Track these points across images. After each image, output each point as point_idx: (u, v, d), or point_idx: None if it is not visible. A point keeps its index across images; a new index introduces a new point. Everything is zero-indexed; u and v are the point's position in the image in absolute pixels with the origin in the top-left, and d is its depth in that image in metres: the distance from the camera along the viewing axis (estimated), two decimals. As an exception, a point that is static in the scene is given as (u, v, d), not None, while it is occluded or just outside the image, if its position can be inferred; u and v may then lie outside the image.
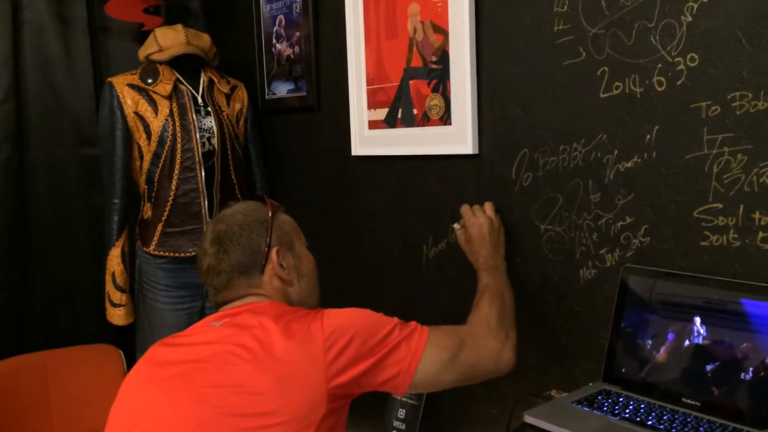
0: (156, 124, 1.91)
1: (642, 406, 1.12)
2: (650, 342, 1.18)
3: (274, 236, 1.23)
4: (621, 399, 1.15)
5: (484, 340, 1.23)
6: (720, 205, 1.15)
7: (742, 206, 1.13)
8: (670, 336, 1.16)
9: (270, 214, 1.25)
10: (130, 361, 2.10)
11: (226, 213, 1.27)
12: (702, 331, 1.12)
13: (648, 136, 1.23)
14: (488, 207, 1.48)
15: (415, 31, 1.63)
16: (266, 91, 2.18)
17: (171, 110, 1.92)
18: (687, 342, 1.13)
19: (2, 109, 2.04)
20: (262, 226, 1.23)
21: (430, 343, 1.14)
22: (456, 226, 1.52)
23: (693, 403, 1.10)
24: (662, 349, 1.16)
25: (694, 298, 1.14)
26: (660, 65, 1.20)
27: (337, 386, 1.06)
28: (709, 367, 1.10)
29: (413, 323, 1.18)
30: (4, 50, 2.03)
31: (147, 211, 1.98)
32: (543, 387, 1.39)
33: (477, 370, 1.21)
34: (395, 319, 1.16)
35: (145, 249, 1.97)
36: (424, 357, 1.13)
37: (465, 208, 1.49)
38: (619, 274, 1.25)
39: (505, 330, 1.27)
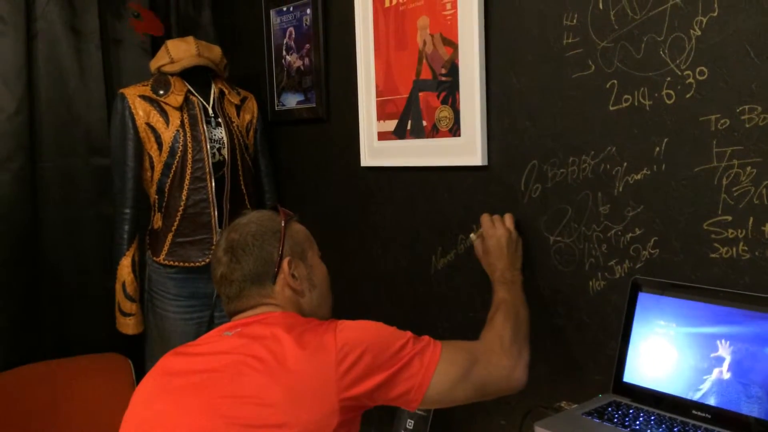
0: (167, 135, 1.93)
1: (652, 417, 1.12)
2: (659, 353, 1.18)
3: (287, 246, 1.23)
4: (631, 411, 1.15)
5: (497, 357, 1.22)
6: (729, 218, 1.16)
7: (751, 219, 1.13)
8: (680, 348, 1.16)
9: (283, 224, 1.25)
10: (139, 371, 2.11)
11: (240, 222, 1.27)
12: (711, 343, 1.12)
13: (657, 149, 1.24)
14: (508, 219, 1.47)
15: (424, 43, 1.64)
16: (276, 102, 2.20)
17: (182, 121, 1.94)
18: (697, 353, 1.14)
19: (15, 120, 2.06)
20: (275, 236, 1.23)
21: (443, 359, 1.14)
22: (472, 236, 1.51)
23: (703, 415, 1.10)
24: (672, 361, 1.17)
25: (703, 310, 1.14)
26: (669, 78, 1.21)
27: (348, 398, 1.06)
28: (718, 379, 1.10)
29: (426, 338, 1.18)
30: (17, 61, 2.06)
31: (157, 221, 1.99)
32: (553, 398, 1.39)
33: (489, 388, 1.20)
34: (408, 333, 1.16)
35: (155, 259, 1.99)
36: (436, 373, 1.13)
37: (485, 218, 1.47)
38: (629, 286, 1.25)
39: (518, 348, 1.26)
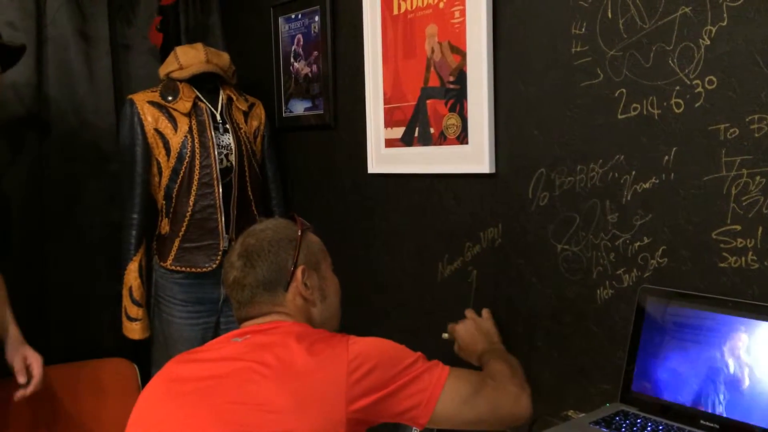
0: (175, 141, 1.94)
1: (660, 427, 1.12)
2: (667, 363, 1.18)
3: (301, 255, 1.24)
4: (639, 420, 1.15)
5: (503, 384, 1.24)
6: (738, 227, 1.16)
7: (760, 228, 1.13)
8: (688, 357, 1.15)
9: (299, 233, 1.25)
10: (144, 376, 2.11)
11: (257, 228, 1.28)
12: (719, 352, 1.12)
13: (666, 158, 1.24)
14: (468, 312, 1.55)
15: (432, 51, 1.65)
16: (283, 108, 2.20)
17: (190, 127, 1.95)
18: (705, 363, 1.13)
19: (24, 124, 2.07)
20: (291, 244, 1.24)
21: (451, 378, 1.14)
22: (445, 335, 1.56)
23: (711, 425, 1.10)
24: (679, 370, 1.16)
25: (712, 320, 1.14)
26: (678, 87, 1.21)
27: (356, 410, 1.06)
28: (726, 389, 1.10)
29: (435, 360, 1.18)
30: (27, 67, 2.07)
31: (164, 227, 2.00)
32: (560, 407, 1.39)
33: (496, 412, 1.20)
34: (418, 353, 1.17)
35: (161, 264, 1.99)
36: (445, 390, 1.13)
37: (450, 326, 1.55)
38: (637, 295, 1.25)
39: (520, 381, 1.27)
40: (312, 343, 1.11)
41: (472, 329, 1.49)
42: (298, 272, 1.22)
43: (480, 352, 1.44)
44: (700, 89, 1.19)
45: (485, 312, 1.53)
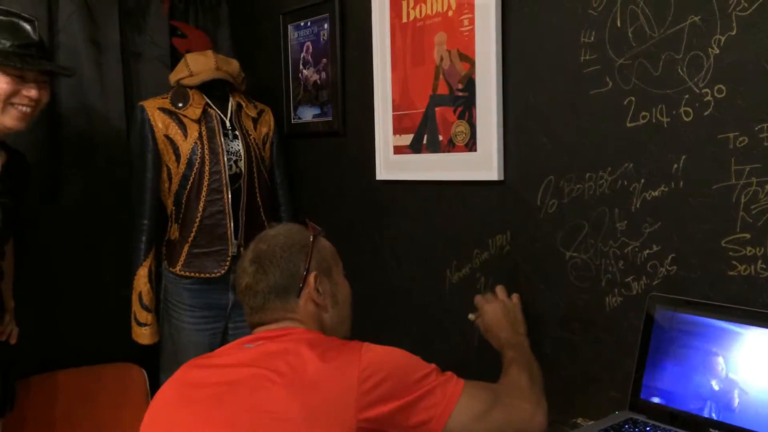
0: (185, 147, 1.95)
1: (669, 435, 1.12)
2: (676, 371, 1.18)
3: (314, 261, 1.23)
4: (648, 428, 1.15)
5: (518, 400, 1.21)
6: (748, 235, 1.16)
7: (770, 237, 1.13)
8: (697, 365, 1.15)
9: (311, 238, 1.25)
10: (153, 381, 2.12)
11: (269, 233, 1.27)
12: (729, 360, 1.12)
13: (675, 166, 1.24)
14: (499, 290, 1.51)
15: (441, 59, 1.65)
16: (292, 115, 2.22)
17: (200, 133, 1.96)
18: (714, 371, 1.13)
19: (35, 131, 2.08)
20: (303, 250, 1.23)
21: (465, 393, 1.13)
22: (471, 316, 1.53)
23: (721, 433, 1.10)
24: (688, 378, 1.16)
25: (721, 328, 1.14)
26: (687, 96, 1.22)
27: (367, 419, 1.05)
28: (735, 397, 1.10)
29: (449, 373, 1.17)
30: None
31: (174, 232, 2.01)
32: (569, 415, 1.39)
33: (509, 427, 1.19)
34: (433, 365, 1.16)
35: (171, 269, 2.00)
36: (458, 405, 1.12)
37: (478, 298, 1.52)
38: (645, 303, 1.25)
39: (537, 396, 1.25)
40: (324, 351, 1.11)
41: (500, 313, 1.45)
42: (311, 278, 1.22)
43: (504, 342, 1.41)
44: (709, 98, 1.19)
45: (515, 297, 1.50)
